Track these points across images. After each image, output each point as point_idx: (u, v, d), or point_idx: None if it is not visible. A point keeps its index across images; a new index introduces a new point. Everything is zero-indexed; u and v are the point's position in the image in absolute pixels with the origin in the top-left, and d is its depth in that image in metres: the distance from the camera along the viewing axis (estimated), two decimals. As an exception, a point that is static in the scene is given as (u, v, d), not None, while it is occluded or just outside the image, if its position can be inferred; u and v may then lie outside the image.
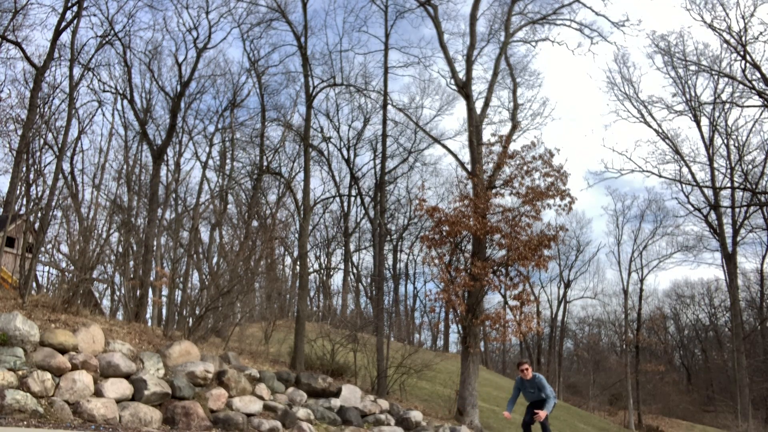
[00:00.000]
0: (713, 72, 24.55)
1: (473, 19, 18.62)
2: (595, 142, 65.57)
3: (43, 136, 20.16)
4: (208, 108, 39.72)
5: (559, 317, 40.06)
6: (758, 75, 21.57)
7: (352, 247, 33.65)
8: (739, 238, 28.51)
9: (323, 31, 61.04)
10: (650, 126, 27.38)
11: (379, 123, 24.04)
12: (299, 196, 24.62)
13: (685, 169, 27.97)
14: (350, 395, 11.58)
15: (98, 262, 13.55)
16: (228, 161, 27.67)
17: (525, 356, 37.49)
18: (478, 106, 18.11)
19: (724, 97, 26.37)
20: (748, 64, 21.78)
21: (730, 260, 27.75)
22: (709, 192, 27.99)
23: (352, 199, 31.71)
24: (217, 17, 22.61)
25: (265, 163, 25.48)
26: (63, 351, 7.79)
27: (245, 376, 9.87)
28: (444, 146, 20.51)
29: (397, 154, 28.47)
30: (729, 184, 28.11)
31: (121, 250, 18.19)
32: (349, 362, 14.88)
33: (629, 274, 34.90)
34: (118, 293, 18.19)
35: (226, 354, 10.82)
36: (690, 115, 27.58)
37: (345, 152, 29.70)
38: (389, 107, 19.78)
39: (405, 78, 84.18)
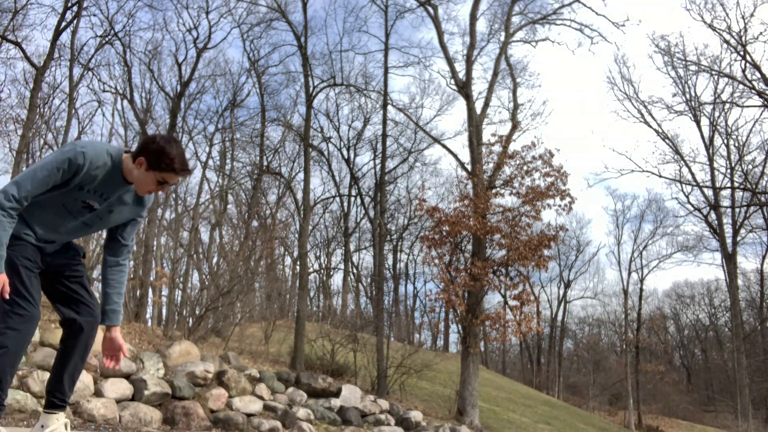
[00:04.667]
0: (713, 72, 24.58)
1: (473, 19, 18.63)
2: (595, 142, 65.65)
3: (43, 136, 20.17)
4: (208, 108, 39.63)
5: (559, 317, 40.09)
6: (758, 75, 21.62)
7: (352, 247, 33.65)
8: (739, 238, 28.53)
9: (323, 31, 61.02)
10: (650, 126, 27.40)
11: (379, 123, 24.03)
12: (299, 196, 24.65)
13: (685, 169, 27.99)
14: (350, 395, 11.59)
15: (98, 262, 13.55)
16: (228, 161, 27.68)
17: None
18: (478, 106, 18.13)
19: (724, 97, 26.41)
20: (748, 64, 21.82)
21: (730, 260, 27.74)
22: (709, 192, 28.00)
23: (352, 199, 31.71)
24: (217, 17, 22.57)
25: (265, 163, 25.49)
26: (63, 351, 7.79)
27: (245, 376, 9.87)
28: (444, 146, 20.57)
29: (397, 154, 28.47)
30: (729, 184, 28.13)
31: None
32: (349, 362, 14.88)
33: (629, 274, 34.92)
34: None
35: (226, 354, 10.82)
36: (690, 115, 27.59)
37: (345, 152, 29.69)
38: (389, 107, 19.80)
39: (405, 78, 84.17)
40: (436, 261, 16.36)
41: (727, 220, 28.39)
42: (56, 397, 2.96)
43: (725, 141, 28.35)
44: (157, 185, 2.76)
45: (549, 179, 15.92)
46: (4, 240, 2.57)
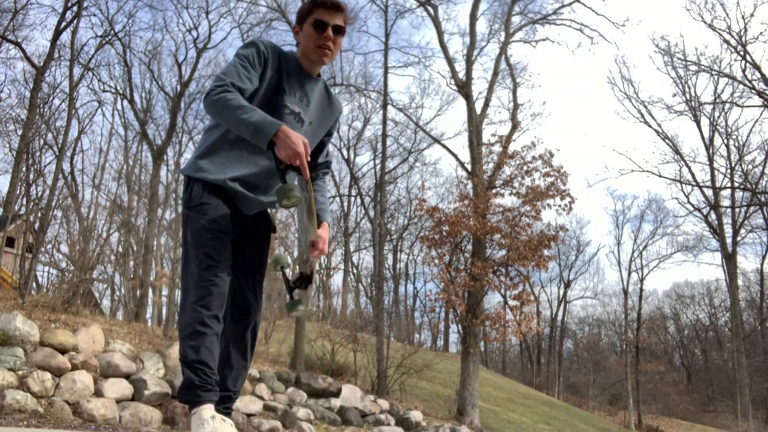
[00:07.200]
0: (713, 72, 24.58)
1: (473, 19, 18.63)
2: (595, 142, 65.59)
3: (43, 136, 20.11)
4: (208, 108, 39.62)
5: (559, 317, 40.10)
6: (758, 75, 21.63)
7: (352, 247, 33.68)
8: (739, 238, 28.55)
9: (323, 31, 60.86)
10: (650, 126, 27.44)
11: (379, 123, 24.07)
12: (299, 196, 24.56)
13: (685, 169, 28.03)
14: (350, 395, 11.58)
15: (98, 262, 13.55)
16: (228, 161, 27.62)
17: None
18: (478, 106, 18.13)
19: (724, 97, 26.44)
20: (748, 64, 21.84)
21: (730, 260, 27.75)
22: (709, 192, 28.02)
23: (352, 199, 31.75)
24: (217, 17, 22.66)
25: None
26: (63, 351, 7.78)
27: (245, 376, 9.88)
28: (444, 146, 20.57)
29: (397, 154, 28.50)
30: (729, 184, 28.14)
31: (121, 250, 18.19)
32: (349, 362, 14.87)
33: (629, 274, 34.95)
34: (118, 293, 18.17)
35: (226, 354, 10.81)
36: (690, 115, 27.61)
37: (345, 152, 29.74)
38: (389, 107, 19.79)
39: (405, 78, 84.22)
40: (436, 261, 16.36)
41: (727, 220, 28.42)
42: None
43: (725, 141, 28.39)
44: (318, 33, 2.35)
45: (549, 179, 15.93)
46: (245, 103, 2.16)
